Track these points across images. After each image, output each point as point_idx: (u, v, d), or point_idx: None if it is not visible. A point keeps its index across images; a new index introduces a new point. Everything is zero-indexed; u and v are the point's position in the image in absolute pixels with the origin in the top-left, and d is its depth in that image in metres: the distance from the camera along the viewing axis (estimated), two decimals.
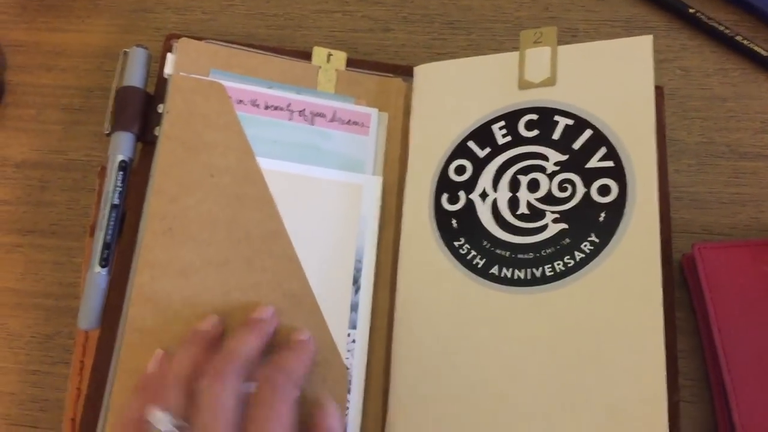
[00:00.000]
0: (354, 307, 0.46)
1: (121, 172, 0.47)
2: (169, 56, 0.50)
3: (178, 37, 0.51)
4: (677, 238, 0.49)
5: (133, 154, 0.48)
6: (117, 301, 0.44)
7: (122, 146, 0.48)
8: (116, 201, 0.46)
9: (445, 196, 0.47)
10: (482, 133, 0.47)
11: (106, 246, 0.45)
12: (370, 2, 0.57)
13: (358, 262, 0.47)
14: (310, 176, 0.48)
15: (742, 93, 0.52)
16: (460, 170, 0.47)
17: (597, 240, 0.43)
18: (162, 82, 0.50)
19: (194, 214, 0.46)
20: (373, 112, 0.51)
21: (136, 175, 0.48)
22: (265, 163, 0.48)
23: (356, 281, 0.46)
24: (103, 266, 0.45)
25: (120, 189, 0.47)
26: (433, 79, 0.50)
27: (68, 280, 0.51)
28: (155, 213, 0.45)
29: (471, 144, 0.48)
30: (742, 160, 0.51)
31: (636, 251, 0.42)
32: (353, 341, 0.45)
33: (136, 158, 0.49)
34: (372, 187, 0.49)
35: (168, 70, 0.49)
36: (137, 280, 0.44)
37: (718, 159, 0.51)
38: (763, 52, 0.52)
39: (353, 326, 0.45)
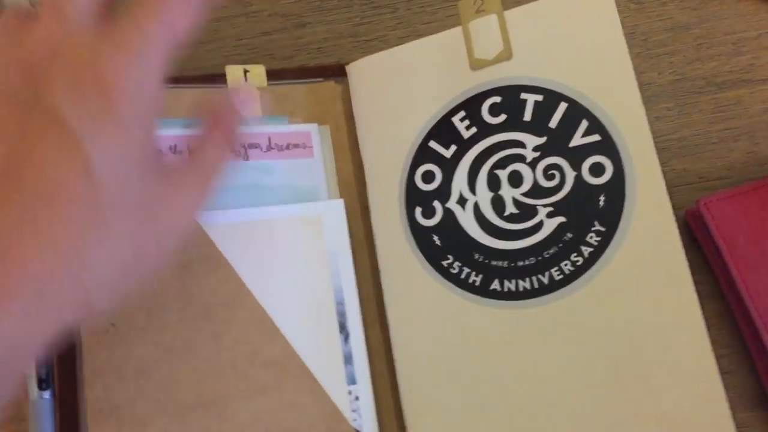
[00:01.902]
0: (348, 359, 0.40)
1: None
2: None
3: None
4: (674, 193, 0.44)
5: None
6: (71, 425, 0.37)
7: None
8: None
9: (418, 211, 0.41)
10: (443, 130, 0.41)
11: (41, 362, 0.38)
12: None
13: (340, 305, 0.41)
14: (259, 220, 0.42)
15: (705, 16, 0.47)
16: (428, 177, 0.41)
17: (602, 228, 0.37)
18: None
19: (136, 300, 0.39)
20: (312, 128, 0.44)
21: None
22: (204, 218, 0.41)
23: (343, 328, 0.40)
24: (43, 389, 0.38)
25: None
26: (372, 77, 0.43)
27: None
28: None
29: (433, 144, 0.41)
30: (722, 91, 0.46)
31: (650, 231, 0.37)
32: (356, 398, 0.39)
33: None
34: (334, 213, 0.42)
35: None
36: (89, 395, 0.37)
37: (696, 95, 0.46)
38: None
39: (352, 381, 0.39)
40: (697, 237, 0.43)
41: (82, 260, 0.26)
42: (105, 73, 0.27)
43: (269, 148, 0.43)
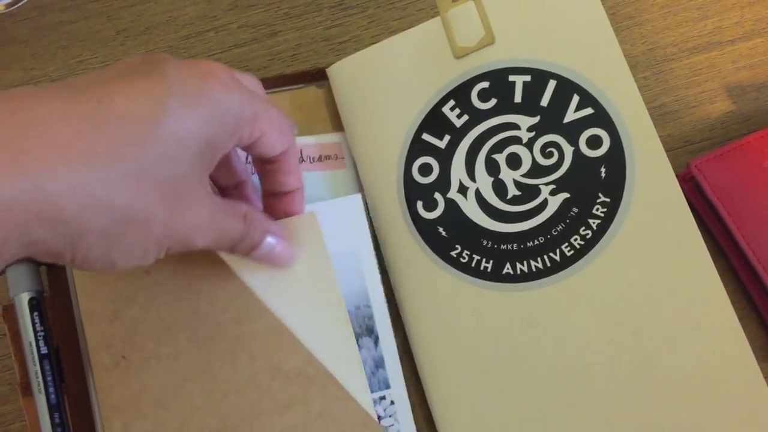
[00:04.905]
0: (380, 363, 0.39)
1: (36, 312, 0.38)
2: None
3: None
4: None
5: (41, 285, 0.39)
6: None
7: (24, 280, 0.38)
8: (44, 350, 0.37)
9: (419, 205, 0.40)
10: (434, 121, 0.41)
11: (54, 408, 0.36)
12: (242, 8, 0.49)
13: (366, 307, 0.39)
14: None
15: None
16: (425, 170, 0.41)
17: (607, 198, 0.38)
18: None
19: (144, 327, 0.38)
20: (341, 137, 0.43)
21: (54, 307, 0.39)
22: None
23: (372, 331, 0.39)
24: None
25: (42, 333, 0.37)
26: (354, 77, 0.43)
27: None
28: (97, 343, 0.37)
29: (426, 136, 0.41)
30: (694, 56, 0.47)
31: (654, 194, 0.37)
32: (391, 403, 0.38)
33: (47, 287, 0.39)
34: (352, 209, 0.40)
35: None
36: None
37: (670, 63, 0.47)
38: None
39: (386, 385, 0.38)
40: (690, 199, 0.44)
41: (98, 176, 0.26)
42: (214, 66, 0.30)
43: (301, 160, 0.42)
